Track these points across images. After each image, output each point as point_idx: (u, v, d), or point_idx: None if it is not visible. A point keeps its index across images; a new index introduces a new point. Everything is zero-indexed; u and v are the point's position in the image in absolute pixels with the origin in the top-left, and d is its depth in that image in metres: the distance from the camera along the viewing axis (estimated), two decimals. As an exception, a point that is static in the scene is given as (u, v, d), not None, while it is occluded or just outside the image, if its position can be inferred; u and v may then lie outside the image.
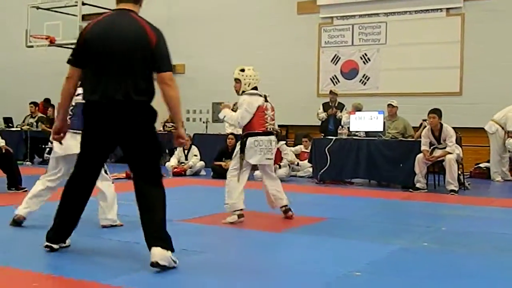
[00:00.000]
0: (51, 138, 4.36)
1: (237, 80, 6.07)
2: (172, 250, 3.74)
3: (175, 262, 3.72)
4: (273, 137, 6.13)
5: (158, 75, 3.91)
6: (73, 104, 5.07)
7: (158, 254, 3.66)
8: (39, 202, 5.29)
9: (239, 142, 6.04)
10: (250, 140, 5.88)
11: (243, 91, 6.05)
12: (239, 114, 5.93)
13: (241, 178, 5.87)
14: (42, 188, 5.29)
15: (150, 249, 3.71)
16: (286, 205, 6.09)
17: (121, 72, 3.84)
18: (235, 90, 6.14)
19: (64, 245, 4.18)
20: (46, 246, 4.10)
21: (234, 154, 6.02)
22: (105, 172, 5.35)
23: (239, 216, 5.77)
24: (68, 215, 4.09)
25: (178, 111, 3.99)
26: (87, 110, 3.99)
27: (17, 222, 5.23)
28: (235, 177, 5.85)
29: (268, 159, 6.10)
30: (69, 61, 4.03)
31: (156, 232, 3.77)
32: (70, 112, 5.07)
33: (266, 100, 6.17)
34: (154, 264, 3.64)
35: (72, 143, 5.04)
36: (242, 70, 6.06)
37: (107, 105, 3.86)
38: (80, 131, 5.04)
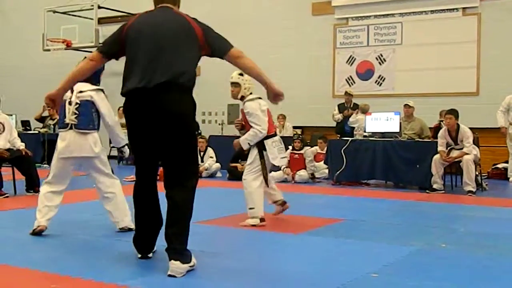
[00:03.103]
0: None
1: (236, 84, 6.05)
2: (190, 262, 3.69)
3: (192, 266, 3.69)
4: (279, 137, 6.30)
5: (228, 56, 3.93)
6: (78, 102, 5.08)
7: (176, 268, 3.60)
8: (55, 208, 5.19)
9: (253, 146, 5.97)
10: (268, 142, 5.89)
11: (242, 96, 6.03)
12: (259, 122, 5.85)
13: (261, 181, 5.84)
14: (49, 196, 5.18)
15: (169, 258, 3.65)
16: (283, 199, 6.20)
17: (167, 58, 3.70)
18: (232, 94, 6.11)
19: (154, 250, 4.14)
20: (141, 257, 4.06)
21: (250, 157, 5.97)
22: (112, 172, 5.33)
23: (261, 220, 5.74)
24: (145, 221, 4.00)
25: (260, 73, 4.08)
26: (126, 102, 3.80)
27: (38, 233, 5.04)
28: (256, 180, 5.80)
29: (283, 157, 6.22)
30: (99, 49, 3.97)
31: (177, 244, 3.67)
32: (76, 111, 5.08)
33: None
34: (171, 276, 3.60)
35: (80, 143, 5.05)
36: (241, 75, 6.00)
37: (151, 90, 3.64)
38: (87, 131, 5.06)
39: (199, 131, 13.87)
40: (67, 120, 5.08)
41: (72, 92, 5.05)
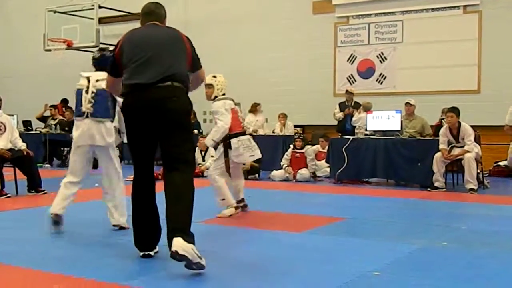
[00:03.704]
0: None
1: (210, 86, 6.33)
2: (193, 244, 3.60)
3: (200, 258, 3.57)
4: (249, 136, 6.55)
5: (195, 73, 4.29)
6: (94, 90, 5.13)
7: (178, 244, 3.51)
8: (69, 197, 5.27)
9: (220, 144, 6.29)
10: (233, 140, 6.20)
11: (215, 96, 6.33)
12: (222, 118, 6.15)
13: (224, 176, 6.25)
14: (66, 185, 5.31)
15: (170, 241, 3.58)
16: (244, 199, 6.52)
17: (162, 60, 3.97)
18: (207, 95, 6.39)
19: (156, 250, 4.14)
20: (143, 256, 4.07)
21: (216, 154, 6.43)
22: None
23: (236, 208, 6.16)
24: (143, 218, 4.06)
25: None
26: (125, 99, 4.06)
27: (56, 221, 5.16)
28: (221, 176, 6.24)
29: (251, 156, 6.46)
30: (108, 73, 4.31)
31: (178, 223, 3.63)
32: (92, 100, 5.13)
33: (234, 104, 6.49)
34: (174, 253, 3.50)
35: (94, 131, 5.11)
36: (214, 77, 6.41)
37: (148, 86, 3.90)
38: (103, 119, 5.14)
39: (201, 130, 13.88)
40: (83, 109, 5.15)
41: (88, 81, 5.12)
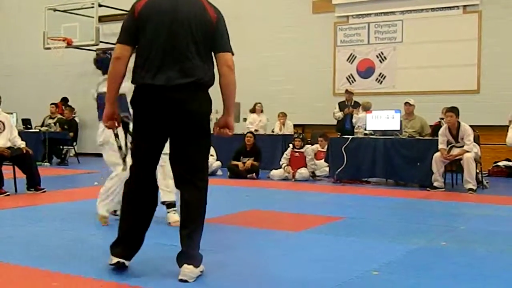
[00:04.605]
0: (104, 125, 3.89)
1: None
2: (200, 264, 3.62)
3: (201, 272, 3.63)
4: None
5: (220, 56, 3.61)
6: (101, 91, 5.13)
7: (189, 273, 3.51)
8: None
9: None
10: None
11: None
12: None
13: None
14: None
15: (180, 263, 3.56)
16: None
17: (182, 52, 3.52)
18: None
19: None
20: (117, 263, 3.64)
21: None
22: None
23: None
24: (135, 224, 3.71)
25: (234, 98, 3.68)
26: (141, 96, 3.59)
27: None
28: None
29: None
30: (119, 40, 3.59)
31: (190, 248, 3.59)
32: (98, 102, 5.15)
33: None
34: (183, 281, 3.51)
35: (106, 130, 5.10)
36: None
37: (168, 89, 3.49)
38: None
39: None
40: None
41: None
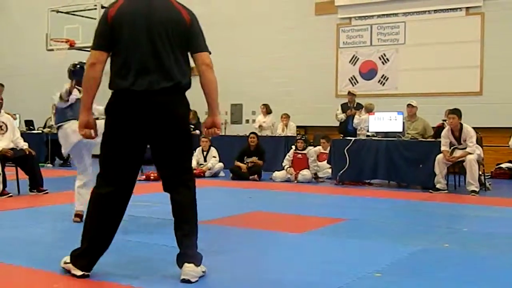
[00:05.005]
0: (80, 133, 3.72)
1: None
2: (201, 263, 3.61)
3: (204, 272, 3.62)
4: None
5: (197, 55, 3.60)
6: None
7: (190, 271, 3.51)
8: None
9: None
10: None
11: None
12: None
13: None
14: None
15: (181, 264, 3.55)
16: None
17: (160, 57, 3.51)
18: None
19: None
20: (82, 276, 3.53)
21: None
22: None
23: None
24: (109, 232, 3.60)
25: (217, 96, 3.65)
26: (118, 102, 3.53)
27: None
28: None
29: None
30: (93, 47, 3.55)
31: (189, 248, 3.58)
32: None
33: None
34: (186, 281, 3.50)
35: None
36: None
37: (147, 94, 3.46)
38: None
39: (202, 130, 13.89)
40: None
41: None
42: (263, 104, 13.27)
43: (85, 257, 3.57)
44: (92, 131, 3.63)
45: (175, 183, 3.64)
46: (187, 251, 3.58)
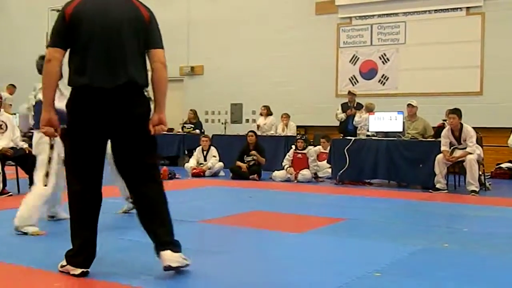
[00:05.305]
0: (41, 131, 3.70)
1: None
2: (180, 251, 3.62)
3: (186, 260, 3.60)
4: None
5: (152, 52, 3.61)
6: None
7: (169, 257, 3.54)
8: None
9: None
10: None
11: None
12: None
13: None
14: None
15: (158, 254, 3.58)
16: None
17: (118, 54, 3.51)
18: None
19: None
20: (81, 273, 3.55)
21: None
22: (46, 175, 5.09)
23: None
24: (93, 227, 3.63)
25: (165, 94, 3.65)
26: (77, 98, 3.53)
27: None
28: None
29: None
30: (50, 44, 3.55)
31: (164, 235, 3.61)
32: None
33: None
34: (168, 268, 3.53)
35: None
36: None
37: (105, 91, 3.46)
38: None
39: (202, 130, 13.90)
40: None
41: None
42: (264, 106, 13.29)
43: (80, 254, 3.59)
44: (54, 128, 3.61)
45: (143, 178, 3.65)
46: (165, 239, 3.60)
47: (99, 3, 3.56)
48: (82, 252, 3.59)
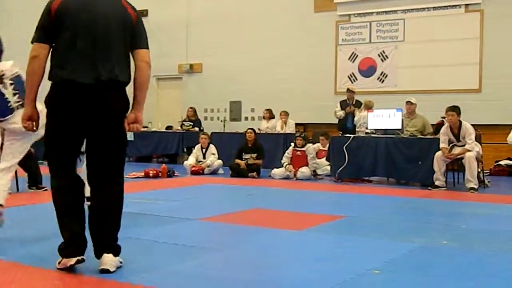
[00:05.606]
0: (23, 126, 3.71)
1: None
2: (119, 255, 3.67)
3: (121, 262, 3.68)
4: None
5: (137, 52, 3.64)
6: (12, 81, 4.97)
7: (109, 261, 3.57)
8: None
9: None
10: None
11: None
12: None
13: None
14: None
15: (99, 255, 3.60)
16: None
17: (101, 50, 3.52)
18: None
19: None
20: (77, 261, 3.56)
21: None
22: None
23: None
24: (79, 217, 3.66)
25: (146, 93, 3.69)
26: (57, 93, 3.54)
27: None
28: None
29: None
30: (35, 39, 3.56)
31: (109, 240, 3.63)
32: (15, 90, 4.95)
33: None
34: (105, 271, 3.55)
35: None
36: None
37: (86, 86, 3.47)
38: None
39: (202, 128, 13.90)
40: (12, 105, 4.93)
41: None
42: (266, 109, 13.33)
43: (71, 244, 3.62)
44: (34, 123, 3.66)
45: (105, 180, 3.68)
46: (108, 242, 3.63)
47: (86, 0, 3.57)
48: (73, 242, 3.61)
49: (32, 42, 3.57)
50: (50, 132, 3.62)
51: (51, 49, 3.57)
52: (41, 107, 3.72)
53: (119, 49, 3.59)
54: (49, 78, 3.56)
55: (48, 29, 3.55)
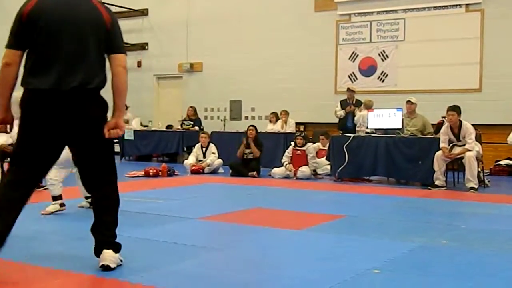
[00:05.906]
0: None
1: None
2: (119, 251, 3.70)
3: (121, 260, 3.70)
4: None
5: (114, 56, 3.57)
6: None
7: (109, 257, 3.60)
8: None
9: None
10: None
11: None
12: None
13: None
14: None
15: (99, 251, 3.64)
16: None
17: (74, 55, 3.46)
18: None
19: None
20: None
21: None
22: None
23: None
24: (7, 227, 3.55)
25: (125, 99, 3.64)
26: (30, 100, 3.48)
27: None
28: None
29: None
30: (8, 45, 3.47)
31: (107, 236, 3.67)
32: None
33: None
34: (105, 267, 3.58)
35: None
36: None
37: (59, 93, 3.41)
38: None
39: (202, 127, 13.89)
40: None
41: None
42: (272, 113, 13.33)
43: None
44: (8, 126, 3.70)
45: (97, 183, 3.69)
46: (107, 239, 3.67)
47: (59, 3, 3.52)
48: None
49: (6, 47, 3.49)
50: (22, 135, 3.58)
51: (24, 55, 3.50)
52: None
53: (93, 54, 3.52)
54: (22, 85, 3.50)
55: (20, 35, 3.48)
